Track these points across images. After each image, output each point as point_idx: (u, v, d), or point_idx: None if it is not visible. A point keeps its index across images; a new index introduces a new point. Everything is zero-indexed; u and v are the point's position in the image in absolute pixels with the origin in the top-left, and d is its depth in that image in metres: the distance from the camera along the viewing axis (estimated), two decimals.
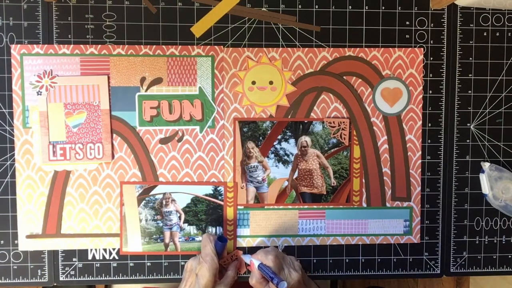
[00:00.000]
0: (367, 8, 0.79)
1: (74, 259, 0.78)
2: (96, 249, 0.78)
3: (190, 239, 0.78)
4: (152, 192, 0.78)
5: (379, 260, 0.81)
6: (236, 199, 0.79)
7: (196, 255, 0.74)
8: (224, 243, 0.74)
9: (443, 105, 0.81)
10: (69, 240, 0.77)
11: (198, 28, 0.78)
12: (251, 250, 0.79)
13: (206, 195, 0.78)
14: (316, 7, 0.79)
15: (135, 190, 0.77)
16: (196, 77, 0.78)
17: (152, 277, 0.78)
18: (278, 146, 0.79)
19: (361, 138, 0.80)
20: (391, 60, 0.79)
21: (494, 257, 0.82)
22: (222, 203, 0.78)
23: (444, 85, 0.81)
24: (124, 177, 0.77)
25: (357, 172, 0.80)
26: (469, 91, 0.81)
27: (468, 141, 0.81)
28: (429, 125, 0.81)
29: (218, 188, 0.78)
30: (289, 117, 0.79)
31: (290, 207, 0.79)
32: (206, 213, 0.78)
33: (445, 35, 0.80)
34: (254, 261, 0.71)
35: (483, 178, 0.79)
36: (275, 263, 0.69)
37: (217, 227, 0.79)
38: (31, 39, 0.76)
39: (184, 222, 0.78)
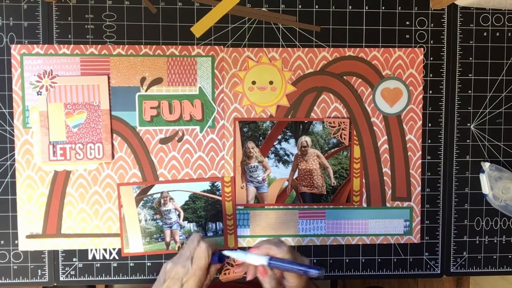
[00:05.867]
0: (367, 8, 0.79)
1: (74, 259, 0.78)
2: (96, 249, 0.78)
3: None
4: (150, 192, 0.78)
5: (379, 260, 0.81)
6: (234, 193, 0.78)
7: (184, 259, 0.62)
8: (221, 263, 0.63)
9: (443, 105, 0.81)
10: (69, 240, 0.77)
11: (198, 28, 0.78)
12: None
13: (204, 191, 0.78)
14: (316, 7, 0.79)
15: (132, 191, 0.77)
16: (196, 77, 0.78)
17: (152, 277, 0.78)
18: (278, 146, 0.79)
19: (361, 138, 0.80)
20: (391, 60, 0.79)
21: (494, 257, 0.82)
22: (220, 198, 0.78)
23: (444, 85, 0.80)
24: (124, 177, 0.77)
25: (357, 172, 0.80)
26: (469, 91, 0.81)
27: (468, 141, 0.81)
28: (429, 125, 0.81)
29: (216, 184, 0.78)
30: (289, 117, 0.79)
31: (290, 207, 0.79)
32: (205, 209, 0.78)
33: (445, 35, 0.80)
34: (263, 258, 0.57)
35: (483, 178, 0.79)
36: (292, 254, 0.57)
37: (217, 223, 0.78)
38: (31, 39, 0.76)
39: (183, 220, 0.78)
